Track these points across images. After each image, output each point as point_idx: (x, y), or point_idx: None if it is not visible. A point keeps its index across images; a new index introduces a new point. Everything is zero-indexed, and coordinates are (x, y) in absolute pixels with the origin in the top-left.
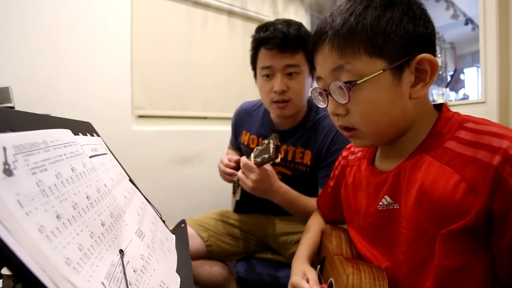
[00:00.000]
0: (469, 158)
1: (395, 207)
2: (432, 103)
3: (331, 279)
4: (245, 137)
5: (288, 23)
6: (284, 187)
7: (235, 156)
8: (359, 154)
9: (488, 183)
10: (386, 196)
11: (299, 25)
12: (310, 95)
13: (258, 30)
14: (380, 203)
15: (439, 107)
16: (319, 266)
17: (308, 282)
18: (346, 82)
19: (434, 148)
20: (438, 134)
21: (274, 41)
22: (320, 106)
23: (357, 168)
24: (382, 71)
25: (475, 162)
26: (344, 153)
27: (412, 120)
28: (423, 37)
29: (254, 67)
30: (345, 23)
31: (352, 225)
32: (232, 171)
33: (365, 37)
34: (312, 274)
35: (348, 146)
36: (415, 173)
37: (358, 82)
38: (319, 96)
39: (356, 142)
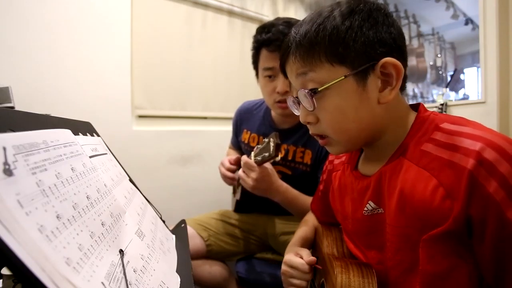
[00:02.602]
0: (445, 161)
1: (379, 211)
2: (410, 104)
3: (323, 279)
4: (245, 136)
5: (289, 23)
6: (284, 186)
7: (234, 156)
8: (343, 158)
9: (464, 188)
10: (370, 202)
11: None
12: None
13: (260, 31)
14: (365, 209)
15: (416, 107)
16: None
17: (302, 258)
18: (309, 90)
19: (412, 151)
20: (415, 136)
21: (276, 43)
22: (296, 114)
23: (342, 173)
24: (343, 77)
25: (451, 165)
26: (330, 158)
27: (384, 125)
28: (386, 42)
29: (255, 67)
30: (306, 34)
31: (343, 228)
32: (233, 175)
33: (325, 46)
34: (305, 251)
35: None
36: (395, 178)
37: (319, 89)
38: (293, 105)
39: (330, 150)
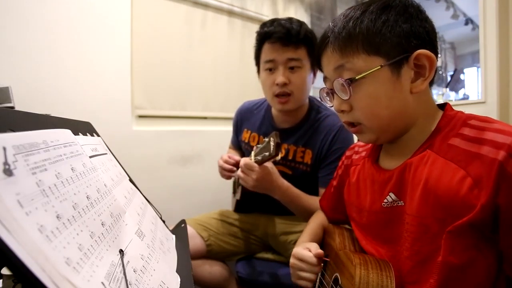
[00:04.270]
0: (473, 154)
1: (399, 204)
2: (437, 103)
3: (336, 274)
4: (245, 135)
5: (291, 20)
6: (286, 185)
7: (236, 156)
8: (363, 154)
9: (493, 178)
10: (391, 193)
11: (301, 23)
12: (312, 94)
13: (262, 25)
14: (385, 200)
15: (443, 107)
16: (322, 264)
17: (310, 252)
18: (347, 79)
19: (439, 144)
20: (442, 131)
21: (277, 35)
22: (328, 105)
23: (362, 167)
24: (379, 67)
25: (479, 157)
26: (348, 153)
27: (414, 116)
28: (420, 35)
29: (257, 62)
30: (345, 27)
31: (355, 223)
32: (230, 167)
33: (363, 38)
34: (313, 245)
35: (352, 146)
36: (421, 170)
37: (356, 78)
38: (326, 96)
39: (361, 138)
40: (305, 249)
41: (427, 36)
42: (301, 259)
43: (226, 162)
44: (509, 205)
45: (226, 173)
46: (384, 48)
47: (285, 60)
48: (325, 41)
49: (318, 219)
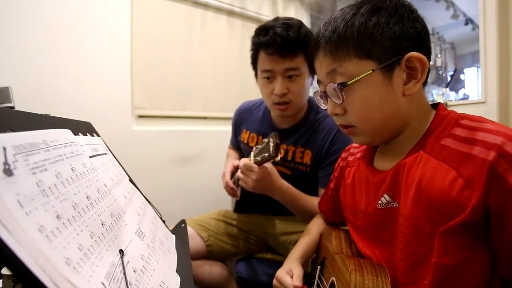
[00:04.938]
0: (465, 155)
1: (394, 205)
2: (430, 103)
3: (333, 278)
4: (245, 136)
5: (288, 25)
6: (285, 185)
7: (237, 161)
8: (358, 155)
9: (484, 179)
10: (385, 195)
11: (299, 26)
12: (311, 95)
13: (258, 33)
14: (379, 202)
15: (436, 106)
16: (319, 266)
17: (292, 278)
18: (339, 84)
19: (431, 145)
20: (434, 131)
21: (274, 46)
22: (322, 108)
23: (357, 168)
24: (371, 71)
25: (470, 158)
26: (343, 155)
27: (408, 118)
28: (411, 36)
29: (254, 67)
30: (335, 31)
31: (351, 225)
32: (233, 186)
33: (353, 42)
34: (298, 271)
35: (347, 147)
36: (414, 171)
37: (348, 83)
38: (320, 99)
39: (355, 139)
40: (288, 273)
41: (419, 37)
42: (281, 284)
43: (227, 184)
44: (500, 206)
45: (231, 191)
46: (376, 51)
47: (283, 70)
48: (316, 45)
49: (315, 228)
